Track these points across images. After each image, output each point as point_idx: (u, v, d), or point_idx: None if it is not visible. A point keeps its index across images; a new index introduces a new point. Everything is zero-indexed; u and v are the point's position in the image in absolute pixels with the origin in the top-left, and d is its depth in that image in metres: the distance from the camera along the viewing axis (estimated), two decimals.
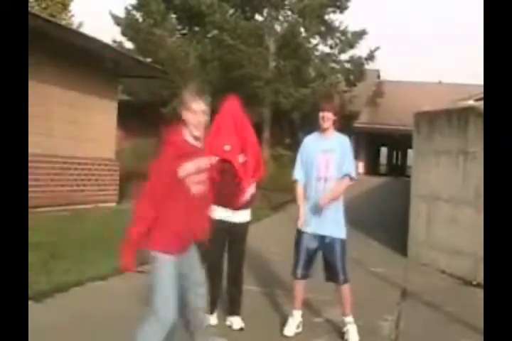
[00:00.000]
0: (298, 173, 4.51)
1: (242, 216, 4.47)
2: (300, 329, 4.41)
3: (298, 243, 4.44)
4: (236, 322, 4.49)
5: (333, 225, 4.35)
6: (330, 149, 4.35)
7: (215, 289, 4.39)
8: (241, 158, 4.39)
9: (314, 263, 4.45)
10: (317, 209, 4.32)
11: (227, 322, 4.52)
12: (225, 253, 4.52)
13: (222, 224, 4.31)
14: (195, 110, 3.22)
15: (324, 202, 4.26)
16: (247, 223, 4.55)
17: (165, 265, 3.19)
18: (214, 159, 4.15)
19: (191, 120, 3.22)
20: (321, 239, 4.36)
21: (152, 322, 3.16)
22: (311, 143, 4.49)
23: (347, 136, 4.52)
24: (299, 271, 4.41)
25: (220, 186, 4.16)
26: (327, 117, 4.37)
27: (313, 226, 4.36)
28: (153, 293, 3.17)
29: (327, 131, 4.42)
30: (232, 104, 4.48)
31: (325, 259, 4.40)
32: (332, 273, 4.37)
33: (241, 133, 4.41)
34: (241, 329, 4.43)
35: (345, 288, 4.36)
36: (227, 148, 4.35)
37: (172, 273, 3.21)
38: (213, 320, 4.42)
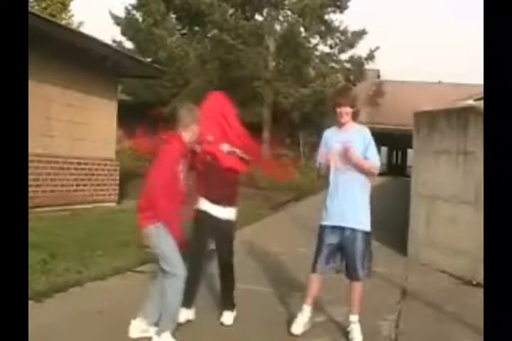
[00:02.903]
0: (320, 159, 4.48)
1: (226, 213, 4.48)
2: (309, 327, 4.41)
3: (320, 237, 4.37)
4: (226, 317, 4.48)
5: (355, 217, 4.27)
6: (348, 141, 4.29)
7: (194, 281, 4.41)
8: (226, 147, 4.41)
9: (336, 258, 4.36)
10: (338, 202, 4.28)
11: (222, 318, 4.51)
12: (208, 247, 4.56)
13: (205, 215, 4.42)
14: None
15: (351, 152, 4.19)
16: (232, 222, 4.55)
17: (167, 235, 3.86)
18: (198, 148, 4.31)
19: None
20: (343, 231, 4.27)
21: (173, 282, 3.85)
22: (330, 135, 4.47)
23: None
24: (319, 266, 4.33)
25: (208, 179, 4.39)
26: (345, 112, 4.34)
27: (333, 218, 4.30)
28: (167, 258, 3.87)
29: (345, 125, 4.39)
30: (215, 97, 4.58)
31: (345, 253, 4.31)
32: (350, 268, 4.29)
33: (224, 123, 4.50)
34: (221, 324, 4.42)
35: (358, 286, 4.31)
36: (210, 138, 4.40)
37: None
38: (190, 314, 4.42)
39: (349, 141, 4.29)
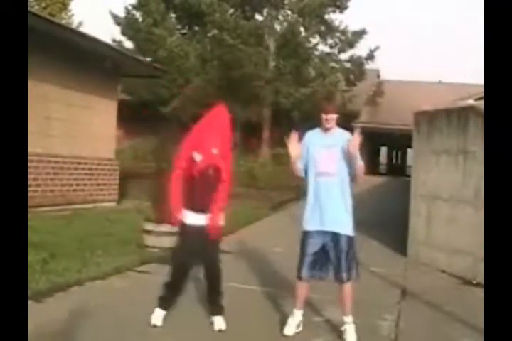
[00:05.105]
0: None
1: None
2: (300, 329, 4.38)
3: (303, 242, 4.35)
4: (218, 322, 4.40)
5: (338, 221, 4.25)
6: (333, 145, 4.30)
7: (174, 288, 4.42)
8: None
9: (321, 264, 4.34)
10: (320, 207, 4.27)
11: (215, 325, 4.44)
12: (194, 257, 4.44)
13: (192, 228, 4.32)
14: None
15: (355, 147, 4.17)
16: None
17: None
18: (199, 157, 4.30)
19: None
20: (326, 236, 4.26)
21: None
22: (313, 138, 4.45)
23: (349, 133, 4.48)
24: (304, 272, 4.30)
25: (199, 189, 4.30)
26: (331, 119, 4.34)
27: (316, 223, 4.28)
28: None
29: (330, 129, 4.40)
30: (221, 111, 4.50)
31: (330, 257, 4.29)
32: (335, 271, 4.28)
33: (225, 142, 4.45)
34: (219, 331, 4.33)
35: (347, 287, 4.29)
36: (215, 151, 4.34)
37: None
38: (158, 318, 4.34)
39: (333, 145, 4.30)
